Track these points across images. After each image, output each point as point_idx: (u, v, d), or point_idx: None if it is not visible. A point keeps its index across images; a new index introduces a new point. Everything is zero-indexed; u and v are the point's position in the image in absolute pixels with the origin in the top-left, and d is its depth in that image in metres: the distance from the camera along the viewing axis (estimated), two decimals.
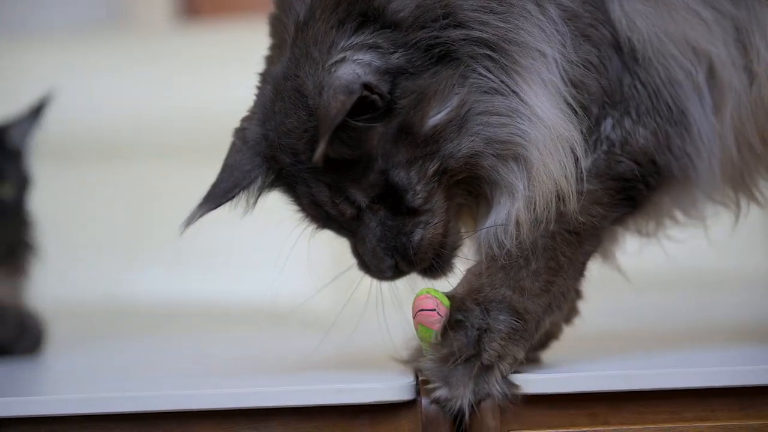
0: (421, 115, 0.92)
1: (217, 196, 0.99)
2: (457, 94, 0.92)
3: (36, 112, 1.38)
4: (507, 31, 0.92)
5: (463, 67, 0.92)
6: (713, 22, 0.96)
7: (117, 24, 2.44)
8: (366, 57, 0.92)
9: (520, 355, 0.94)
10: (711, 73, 0.97)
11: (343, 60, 0.91)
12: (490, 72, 0.92)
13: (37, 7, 2.42)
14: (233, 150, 1.00)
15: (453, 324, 0.93)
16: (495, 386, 0.93)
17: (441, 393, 0.92)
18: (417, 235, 0.95)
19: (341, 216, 0.96)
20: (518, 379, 0.94)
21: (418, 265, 0.97)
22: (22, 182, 1.36)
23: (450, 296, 0.95)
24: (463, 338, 0.93)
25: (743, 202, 1.03)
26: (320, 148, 0.90)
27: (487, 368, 0.93)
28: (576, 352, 1.05)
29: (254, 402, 0.94)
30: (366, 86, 0.91)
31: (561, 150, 0.93)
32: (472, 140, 0.92)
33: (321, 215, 0.98)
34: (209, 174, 2.02)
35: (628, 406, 0.94)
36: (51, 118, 1.41)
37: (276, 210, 1.89)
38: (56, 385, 1.16)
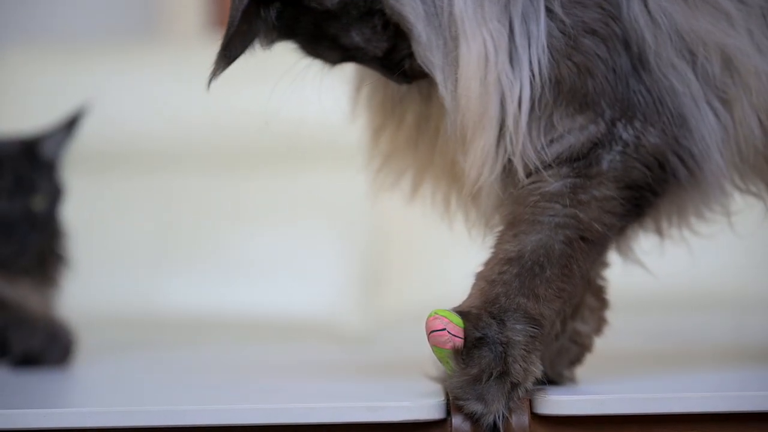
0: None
1: (229, 54, 1.00)
2: None
3: (70, 124, 1.39)
4: None
5: None
6: (736, 10, 0.95)
7: (149, 35, 2.45)
8: None
9: (540, 366, 0.94)
10: (726, 65, 0.95)
11: None
12: None
13: (69, 19, 2.44)
14: (234, 7, 0.98)
15: (475, 342, 0.92)
16: (515, 403, 0.93)
17: (476, 408, 0.92)
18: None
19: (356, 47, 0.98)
20: (549, 401, 0.93)
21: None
22: (54, 194, 1.37)
23: (464, 312, 0.94)
24: (489, 354, 0.92)
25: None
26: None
27: (515, 385, 0.93)
28: (602, 373, 1.04)
29: (283, 418, 0.94)
30: None
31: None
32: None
33: (335, 47, 0.99)
34: (242, 185, 2.04)
35: (660, 428, 0.93)
36: (83, 129, 1.42)
37: (307, 221, 1.89)
38: (86, 396, 1.16)
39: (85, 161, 1.63)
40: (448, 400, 0.95)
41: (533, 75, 0.95)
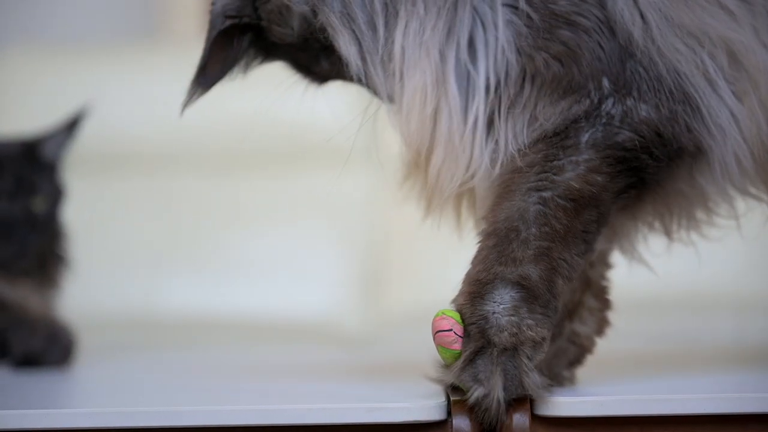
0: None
1: (208, 78, 1.07)
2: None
3: (71, 126, 1.39)
4: None
5: None
6: (738, 7, 0.95)
7: (150, 37, 2.45)
8: None
9: (542, 331, 0.91)
10: (732, 59, 0.95)
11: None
12: None
13: (70, 20, 2.44)
14: (211, 27, 1.05)
15: (466, 331, 0.92)
16: (526, 375, 0.90)
17: (478, 393, 0.91)
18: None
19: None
20: (550, 402, 0.93)
21: None
22: (55, 195, 1.37)
23: (458, 311, 0.94)
24: (473, 337, 0.91)
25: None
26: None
27: (506, 350, 0.91)
28: (603, 374, 1.04)
29: (282, 419, 0.94)
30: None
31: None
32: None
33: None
34: (242, 186, 2.04)
35: (661, 430, 0.93)
36: (83, 130, 1.42)
37: (307, 222, 1.89)
38: (86, 397, 1.17)
39: (85, 162, 1.63)
40: (448, 401, 0.95)
41: (489, 86, 0.95)
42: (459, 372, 0.92)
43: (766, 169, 0.98)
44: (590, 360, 1.04)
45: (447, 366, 0.94)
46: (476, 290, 0.93)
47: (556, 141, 0.95)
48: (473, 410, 0.92)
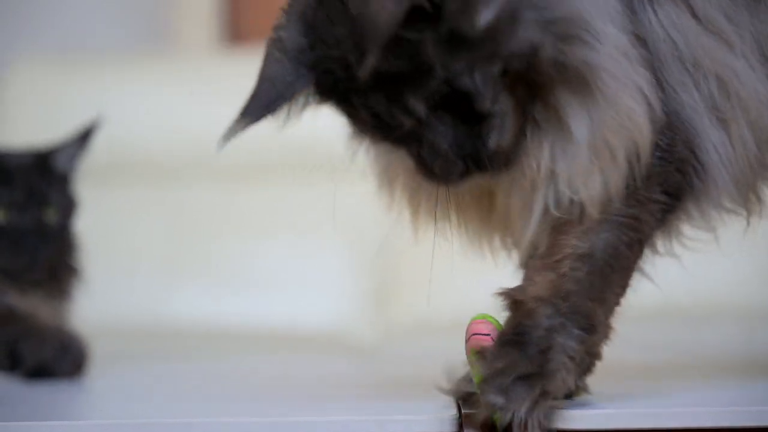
0: (469, 17, 0.85)
1: (258, 109, 0.93)
2: None
3: (83, 137, 1.40)
4: None
5: None
6: (734, 34, 0.94)
7: (162, 49, 2.46)
8: None
9: (573, 379, 0.93)
10: (721, 88, 0.94)
11: None
12: None
13: (81, 32, 2.45)
14: (271, 61, 0.93)
15: (511, 337, 0.90)
16: (542, 414, 0.89)
17: (497, 400, 0.89)
18: (492, 141, 0.90)
19: (400, 127, 0.91)
20: (561, 415, 0.93)
21: (491, 170, 0.92)
22: (67, 207, 1.38)
23: (520, 302, 0.91)
24: (519, 353, 0.90)
25: (754, 202, 1.01)
26: (367, 63, 0.84)
27: (547, 393, 0.90)
28: (612, 387, 1.04)
29: None
30: None
31: (632, 70, 0.90)
32: (528, 30, 0.86)
33: (379, 126, 0.92)
34: (252, 197, 2.04)
35: None
36: (94, 141, 1.42)
37: (317, 233, 1.89)
38: (97, 408, 1.17)
39: (96, 173, 1.63)
40: (460, 413, 0.95)
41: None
42: (487, 378, 0.89)
43: (748, 188, 0.99)
44: (601, 372, 1.04)
45: (473, 370, 0.92)
46: (566, 310, 0.91)
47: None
48: (487, 424, 0.91)
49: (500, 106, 0.89)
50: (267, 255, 1.94)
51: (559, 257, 0.93)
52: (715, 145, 0.96)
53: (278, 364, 1.49)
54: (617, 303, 0.94)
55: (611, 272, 0.93)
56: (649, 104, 0.91)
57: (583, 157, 0.91)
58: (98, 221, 1.80)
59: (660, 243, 1.00)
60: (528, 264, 0.97)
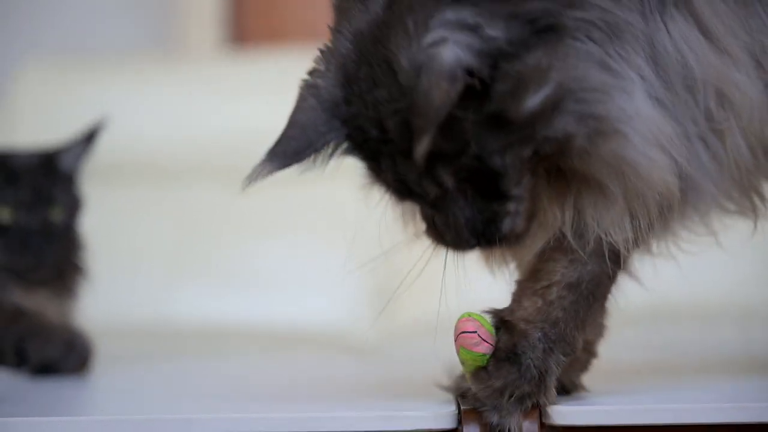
0: (517, 101, 0.86)
1: (287, 155, 0.92)
2: (556, 73, 0.86)
3: (88, 138, 1.41)
4: (615, 16, 0.88)
5: (566, 42, 0.86)
6: (735, 46, 0.94)
7: (166, 51, 2.47)
8: (467, 38, 0.85)
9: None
10: (719, 100, 0.94)
11: (443, 41, 0.84)
12: (595, 45, 0.87)
13: (87, 35, 2.47)
14: (304, 107, 0.91)
15: (509, 355, 0.93)
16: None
17: (493, 418, 0.93)
18: (507, 225, 0.91)
19: (425, 194, 0.92)
20: (558, 411, 0.94)
21: (500, 248, 0.94)
22: (72, 206, 1.39)
23: (511, 324, 0.94)
24: (517, 373, 0.93)
25: (758, 203, 1.01)
26: (423, 143, 0.84)
27: (536, 405, 0.94)
28: (610, 383, 1.05)
29: (295, 427, 0.95)
30: (468, 71, 0.84)
31: (664, 142, 0.89)
32: (566, 120, 0.86)
33: (403, 190, 0.93)
34: (256, 197, 2.05)
35: None
36: (101, 142, 1.43)
37: (320, 233, 1.90)
38: (102, 405, 1.18)
39: (101, 174, 1.64)
40: (459, 410, 0.96)
41: None
42: (487, 396, 0.93)
43: (749, 190, 1.00)
44: (598, 369, 1.05)
45: (463, 365, 0.95)
46: (553, 337, 0.94)
47: None
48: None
49: (521, 189, 0.90)
50: (269, 255, 1.95)
51: (547, 284, 0.96)
52: (701, 164, 0.95)
53: (280, 363, 1.49)
54: (595, 329, 1.00)
55: (594, 301, 0.96)
56: (674, 159, 0.91)
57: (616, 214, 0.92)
58: (103, 221, 1.81)
59: (656, 246, 1.01)
60: (516, 285, 0.99)
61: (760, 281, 1.77)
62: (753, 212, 1.01)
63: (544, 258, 0.96)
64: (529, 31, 0.86)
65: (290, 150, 0.92)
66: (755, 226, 1.02)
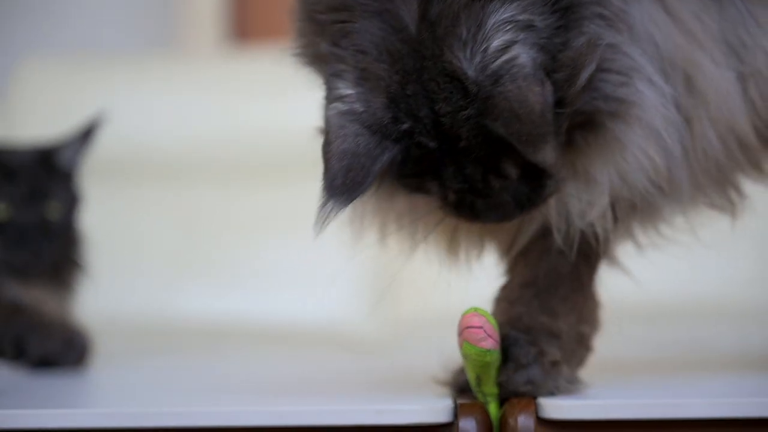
0: (572, 85, 0.86)
1: (350, 188, 0.89)
2: (597, 51, 0.87)
3: (86, 134, 1.41)
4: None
5: (584, 22, 0.87)
6: (701, 31, 0.94)
7: (168, 48, 2.48)
8: (529, 36, 0.85)
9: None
10: (687, 85, 0.94)
11: (512, 44, 0.84)
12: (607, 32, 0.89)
13: (87, 31, 2.47)
14: (347, 134, 0.88)
15: (507, 342, 0.97)
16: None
17: (527, 389, 0.97)
18: (550, 188, 0.92)
19: (489, 190, 0.91)
20: (554, 405, 0.95)
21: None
22: (70, 203, 1.39)
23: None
24: (523, 346, 0.97)
25: (735, 198, 1.02)
26: (547, 153, 0.86)
27: (557, 362, 0.98)
28: (607, 378, 1.05)
29: (292, 421, 0.95)
30: (545, 69, 0.85)
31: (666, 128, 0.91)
32: (594, 97, 0.88)
33: (465, 198, 0.92)
34: (256, 194, 2.05)
35: None
36: (100, 138, 1.44)
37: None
38: (101, 398, 1.18)
39: (103, 171, 1.65)
40: (455, 403, 0.96)
41: None
42: (510, 377, 0.97)
43: (725, 184, 1.00)
44: (595, 364, 1.05)
45: (465, 360, 0.96)
46: (522, 328, 0.98)
47: None
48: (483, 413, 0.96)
49: (556, 156, 0.90)
50: (270, 252, 1.95)
51: (510, 287, 1.02)
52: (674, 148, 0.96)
53: (277, 358, 1.50)
54: (574, 309, 1.00)
55: (557, 290, 0.99)
56: (666, 149, 0.92)
57: (602, 203, 0.94)
58: (104, 218, 1.82)
59: (642, 235, 1.03)
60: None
61: (756, 279, 1.78)
62: (731, 207, 1.01)
63: (514, 259, 1.02)
64: (559, 13, 0.86)
65: (350, 181, 0.89)
66: (733, 222, 1.02)
